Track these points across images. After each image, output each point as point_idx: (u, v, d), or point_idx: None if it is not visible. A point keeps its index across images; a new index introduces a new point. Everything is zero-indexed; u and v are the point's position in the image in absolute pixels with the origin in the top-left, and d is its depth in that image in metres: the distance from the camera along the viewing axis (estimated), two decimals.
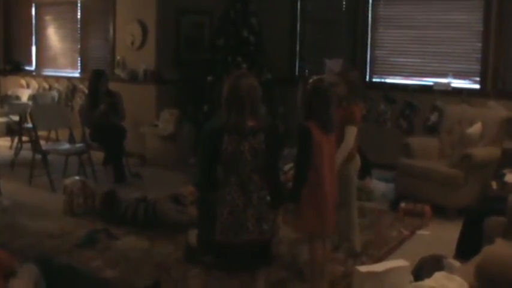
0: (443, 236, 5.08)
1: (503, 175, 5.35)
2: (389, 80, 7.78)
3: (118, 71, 8.49)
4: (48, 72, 10.03)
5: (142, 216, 5.32)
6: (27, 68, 10.36)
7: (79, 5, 9.34)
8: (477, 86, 7.09)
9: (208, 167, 3.20)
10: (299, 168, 3.65)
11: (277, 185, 3.35)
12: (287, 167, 5.35)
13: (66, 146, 7.36)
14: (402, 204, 5.89)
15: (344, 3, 8.15)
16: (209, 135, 3.27)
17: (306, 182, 3.58)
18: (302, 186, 3.59)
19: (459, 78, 7.20)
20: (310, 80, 3.74)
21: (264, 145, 3.16)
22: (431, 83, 7.33)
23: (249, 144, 3.12)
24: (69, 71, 9.66)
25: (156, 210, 5.32)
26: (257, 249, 3.24)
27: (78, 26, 9.40)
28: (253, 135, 3.14)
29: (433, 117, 7.18)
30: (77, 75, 9.48)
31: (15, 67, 10.38)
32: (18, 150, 7.88)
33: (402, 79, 7.70)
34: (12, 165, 7.44)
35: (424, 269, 3.82)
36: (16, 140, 8.19)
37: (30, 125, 7.41)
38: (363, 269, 3.80)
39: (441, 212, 5.77)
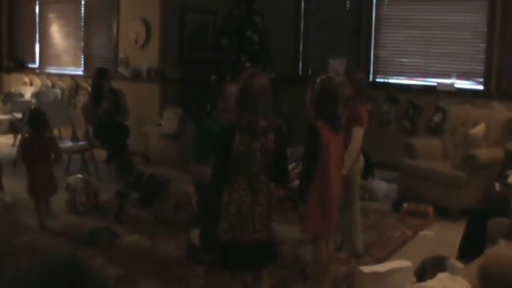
0: (446, 236, 5.07)
1: (507, 176, 5.34)
2: (392, 80, 7.78)
3: (121, 69, 8.50)
4: (52, 70, 10.05)
5: (153, 189, 5.40)
6: (31, 65, 10.37)
7: (83, 2, 9.36)
8: (481, 87, 7.08)
9: (219, 167, 3.18)
10: (306, 167, 3.63)
11: (285, 166, 3.33)
12: (290, 166, 5.35)
13: (69, 143, 7.36)
14: (405, 205, 5.89)
15: (348, 3, 8.14)
16: (221, 134, 3.25)
17: (312, 181, 3.57)
18: (309, 186, 3.57)
19: (463, 79, 7.19)
20: (318, 79, 3.71)
21: (274, 145, 3.15)
22: (434, 84, 7.32)
23: (260, 144, 3.10)
24: (73, 68, 9.67)
25: (166, 187, 5.41)
26: (263, 248, 3.23)
27: (82, 23, 9.42)
28: (265, 135, 3.11)
29: (437, 118, 7.17)
30: (80, 73, 9.50)
31: (19, 64, 10.40)
32: None
33: (406, 79, 7.69)
34: (14, 162, 7.43)
35: (426, 269, 3.81)
36: (19, 137, 8.19)
37: None
38: (366, 269, 3.79)
39: (444, 213, 5.77)
